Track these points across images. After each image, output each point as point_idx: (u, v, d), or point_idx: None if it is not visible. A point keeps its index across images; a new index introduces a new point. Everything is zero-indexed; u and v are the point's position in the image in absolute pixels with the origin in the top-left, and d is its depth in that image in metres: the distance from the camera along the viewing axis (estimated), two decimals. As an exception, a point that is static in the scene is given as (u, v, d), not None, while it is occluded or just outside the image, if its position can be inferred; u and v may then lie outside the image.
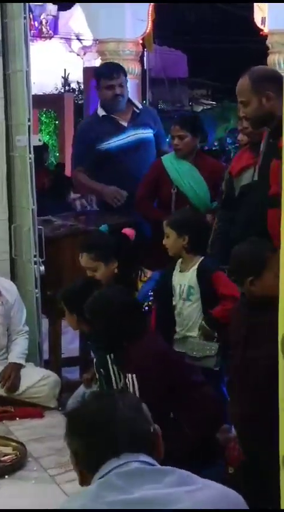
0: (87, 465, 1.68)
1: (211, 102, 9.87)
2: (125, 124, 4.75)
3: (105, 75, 4.81)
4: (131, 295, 3.81)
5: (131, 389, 3.10)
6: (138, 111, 4.84)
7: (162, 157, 4.65)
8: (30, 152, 4.39)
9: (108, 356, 3.58)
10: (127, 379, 3.18)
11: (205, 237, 3.81)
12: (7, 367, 4.17)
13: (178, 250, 3.68)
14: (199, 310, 3.58)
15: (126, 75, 4.95)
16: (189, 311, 3.63)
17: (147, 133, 4.70)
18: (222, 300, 3.45)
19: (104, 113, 4.79)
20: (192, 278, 3.62)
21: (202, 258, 3.66)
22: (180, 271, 3.75)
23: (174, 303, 3.70)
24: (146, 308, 3.90)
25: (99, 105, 4.98)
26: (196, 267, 3.66)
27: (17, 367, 4.22)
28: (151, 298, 3.95)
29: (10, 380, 4.13)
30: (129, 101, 4.85)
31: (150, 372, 3.15)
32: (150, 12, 7.81)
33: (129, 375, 3.12)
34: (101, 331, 3.40)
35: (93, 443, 1.68)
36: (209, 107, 10.06)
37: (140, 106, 5.08)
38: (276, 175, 2.85)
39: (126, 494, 1.55)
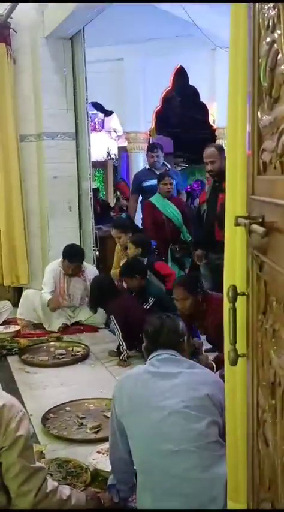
0: (146, 354, 2.26)
1: (185, 165, 12.04)
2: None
3: (150, 149, 6.31)
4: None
5: (113, 321, 4.21)
6: (168, 169, 6.14)
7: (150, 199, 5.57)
8: (90, 191, 5.82)
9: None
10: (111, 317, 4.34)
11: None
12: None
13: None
14: None
15: (162, 150, 6.19)
16: None
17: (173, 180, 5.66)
18: (166, 278, 4.67)
19: (149, 168, 6.20)
20: None
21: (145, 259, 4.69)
22: None
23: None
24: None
25: (147, 164, 6.37)
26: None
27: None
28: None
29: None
30: (163, 163, 6.21)
31: (118, 315, 4.21)
32: (153, 116, 9.00)
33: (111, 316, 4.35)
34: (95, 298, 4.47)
35: (147, 343, 2.25)
36: (184, 167, 12.65)
37: (169, 166, 6.42)
38: (221, 203, 3.90)
39: (157, 369, 2.10)
